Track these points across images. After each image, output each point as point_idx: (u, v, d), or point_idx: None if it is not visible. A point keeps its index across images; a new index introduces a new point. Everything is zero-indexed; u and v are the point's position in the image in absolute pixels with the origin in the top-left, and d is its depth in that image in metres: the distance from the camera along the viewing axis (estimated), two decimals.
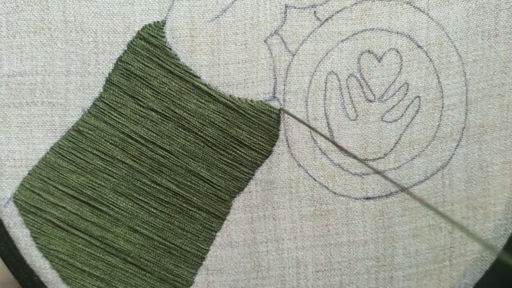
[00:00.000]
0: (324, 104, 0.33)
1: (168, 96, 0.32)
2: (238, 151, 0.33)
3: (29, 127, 0.32)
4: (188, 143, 0.33)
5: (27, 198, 0.33)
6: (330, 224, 0.34)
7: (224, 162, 0.33)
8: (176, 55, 0.32)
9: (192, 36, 0.32)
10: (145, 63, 0.32)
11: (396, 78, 0.33)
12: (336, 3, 0.32)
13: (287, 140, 0.33)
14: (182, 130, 0.33)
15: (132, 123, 0.33)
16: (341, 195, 0.34)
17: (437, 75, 0.33)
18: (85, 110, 0.32)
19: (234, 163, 0.33)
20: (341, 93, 0.33)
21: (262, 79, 0.33)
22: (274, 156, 0.33)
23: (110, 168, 0.33)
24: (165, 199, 0.33)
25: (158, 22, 0.32)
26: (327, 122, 0.33)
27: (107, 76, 0.32)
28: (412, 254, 0.35)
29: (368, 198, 0.34)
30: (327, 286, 0.35)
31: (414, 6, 0.32)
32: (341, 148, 0.32)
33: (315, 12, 0.32)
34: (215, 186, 0.34)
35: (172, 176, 0.33)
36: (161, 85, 0.32)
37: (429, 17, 0.32)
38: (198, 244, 0.34)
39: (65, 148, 0.33)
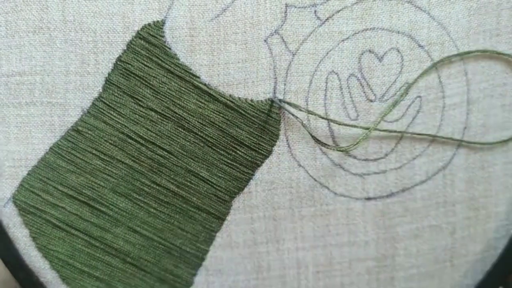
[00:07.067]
0: (325, 103, 0.33)
1: (167, 96, 0.32)
2: (238, 151, 0.33)
3: (28, 127, 0.32)
4: (187, 143, 0.33)
5: (27, 198, 0.33)
6: (330, 225, 0.34)
7: (224, 162, 0.33)
8: (175, 54, 0.32)
9: (192, 35, 0.32)
10: (145, 62, 0.32)
11: (397, 77, 0.33)
12: (337, 3, 0.32)
13: (287, 140, 0.33)
14: (182, 130, 0.33)
15: (131, 123, 0.33)
16: (341, 195, 0.34)
17: (438, 74, 0.33)
18: (85, 110, 0.32)
19: (234, 163, 0.33)
20: (342, 92, 0.33)
21: (262, 78, 0.32)
22: (274, 156, 0.33)
23: (109, 168, 0.33)
24: (165, 200, 0.33)
25: (157, 21, 0.32)
26: (328, 122, 0.33)
27: (107, 76, 0.32)
28: (413, 254, 0.35)
29: (369, 199, 0.34)
30: (327, 286, 0.35)
31: (415, 5, 0.32)
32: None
33: (315, 11, 0.32)
34: (215, 186, 0.33)
35: (171, 176, 0.33)
36: (160, 85, 0.32)
37: (430, 16, 0.32)
38: (198, 244, 0.34)
39: (64, 148, 0.33)
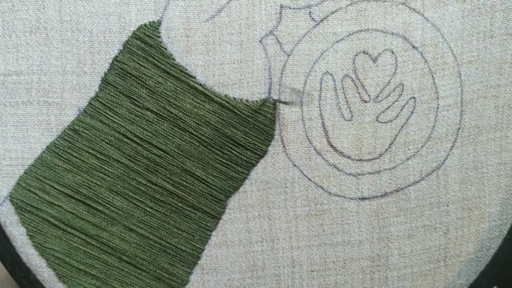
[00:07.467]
0: (319, 104, 0.33)
1: (163, 96, 0.33)
2: (233, 151, 0.33)
3: (25, 126, 0.33)
4: (183, 143, 0.33)
5: (23, 197, 0.33)
6: (325, 224, 0.34)
7: (220, 162, 0.33)
8: (171, 55, 0.32)
9: (188, 36, 0.32)
10: (141, 63, 0.32)
11: (391, 78, 0.33)
12: (331, 4, 0.32)
13: (282, 140, 0.33)
14: (178, 130, 0.33)
15: (127, 122, 0.33)
16: (336, 195, 0.34)
17: (432, 76, 0.33)
18: (81, 109, 0.33)
19: (230, 163, 0.33)
20: (336, 93, 0.33)
21: (257, 79, 0.33)
22: (269, 156, 0.33)
23: (105, 167, 0.33)
24: (161, 199, 0.34)
25: (153, 22, 0.32)
26: (322, 123, 0.33)
27: (103, 75, 0.32)
28: (407, 254, 0.35)
29: (363, 198, 0.34)
30: (322, 285, 0.35)
31: (409, 7, 0.32)
32: None
33: (310, 12, 0.32)
34: (210, 185, 0.34)
35: (167, 176, 0.33)
36: (156, 85, 0.32)
37: (424, 18, 0.32)
38: (194, 243, 0.34)
39: (61, 147, 0.33)
